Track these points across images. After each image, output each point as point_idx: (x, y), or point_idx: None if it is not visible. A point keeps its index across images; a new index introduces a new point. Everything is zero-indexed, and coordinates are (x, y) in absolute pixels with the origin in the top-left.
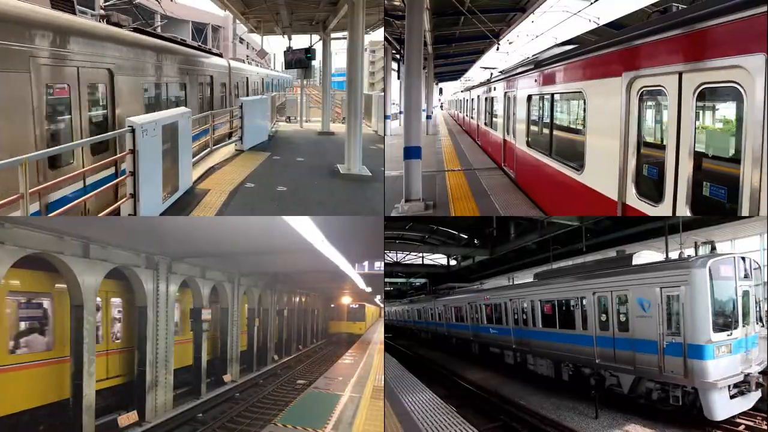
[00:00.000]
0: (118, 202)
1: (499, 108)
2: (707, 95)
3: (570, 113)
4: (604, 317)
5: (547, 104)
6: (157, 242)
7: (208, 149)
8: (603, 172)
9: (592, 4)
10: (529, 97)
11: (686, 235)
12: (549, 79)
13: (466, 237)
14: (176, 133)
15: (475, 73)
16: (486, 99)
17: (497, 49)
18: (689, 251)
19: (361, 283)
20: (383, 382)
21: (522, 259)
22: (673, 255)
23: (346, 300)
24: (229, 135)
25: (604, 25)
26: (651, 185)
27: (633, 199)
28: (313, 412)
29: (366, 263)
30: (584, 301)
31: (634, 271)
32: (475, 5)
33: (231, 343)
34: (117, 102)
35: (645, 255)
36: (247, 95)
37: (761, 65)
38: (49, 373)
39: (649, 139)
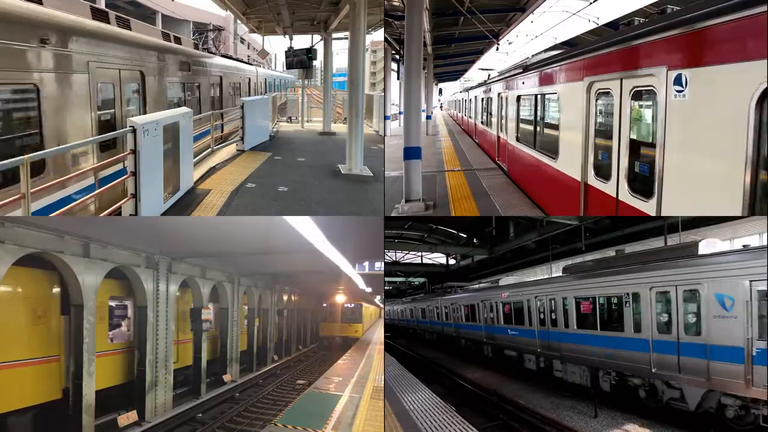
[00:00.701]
0: (120, 202)
1: (493, 108)
2: (636, 96)
3: (549, 111)
4: (664, 317)
5: (531, 104)
6: (157, 242)
7: (210, 149)
8: (571, 159)
9: (591, 4)
10: (518, 98)
11: (685, 234)
12: (533, 82)
13: (465, 236)
14: (177, 133)
15: (475, 74)
16: (482, 99)
17: (497, 49)
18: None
19: (361, 284)
20: (383, 383)
21: (522, 258)
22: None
23: (340, 299)
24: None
25: (603, 24)
26: (604, 167)
27: (592, 180)
28: (313, 412)
29: (366, 263)
30: (637, 298)
31: (708, 261)
32: (475, 5)
33: (231, 343)
34: (147, 98)
35: (712, 243)
36: (265, 93)
37: (664, 73)
38: (123, 359)
39: (602, 130)
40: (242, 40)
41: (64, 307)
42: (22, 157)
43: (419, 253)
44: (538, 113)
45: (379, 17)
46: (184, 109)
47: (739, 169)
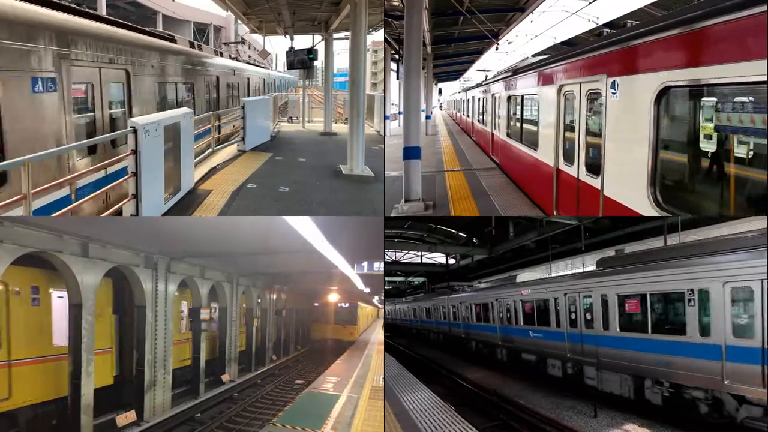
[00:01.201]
0: (121, 203)
1: (488, 107)
2: (590, 96)
3: (531, 110)
4: (743, 319)
5: (518, 104)
6: (157, 242)
7: (210, 150)
8: (547, 149)
9: (590, 3)
10: (508, 98)
11: (685, 234)
12: (519, 85)
13: (464, 236)
14: (178, 134)
15: (475, 74)
16: (478, 99)
17: (496, 49)
18: None
19: (359, 284)
20: (383, 382)
21: (521, 257)
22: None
23: (333, 298)
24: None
25: (602, 24)
26: (570, 155)
27: (562, 165)
28: (312, 412)
29: (365, 263)
30: (706, 295)
31: None
32: (474, 5)
33: (229, 342)
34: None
35: None
36: (272, 92)
37: (605, 79)
38: (185, 347)
39: (568, 124)
40: (243, 41)
41: (116, 307)
42: (22, 158)
43: (419, 253)
44: (524, 112)
45: (380, 17)
46: (184, 110)
47: (645, 149)
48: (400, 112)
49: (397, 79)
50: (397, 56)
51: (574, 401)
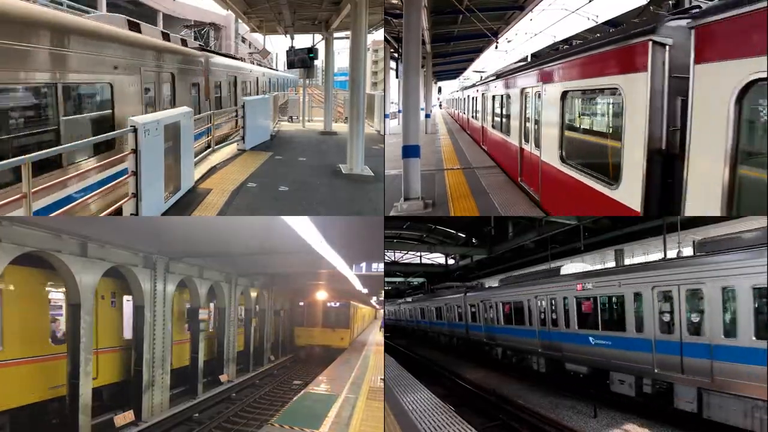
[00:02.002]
0: (120, 202)
1: (479, 104)
2: (537, 96)
3: (506, 107)
4: None
5: (499, 102)
6: (156, 242)
7: (210, 149)
8: (514, 134)
9: (590, 1)
10: (493, 97)
11: (684, 233)
12: (499, 86)
13: (464, 236)
14: (178, 133)
15: (473, 73)
16: (472, 98)
17: (496, 47)
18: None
19: (357, 285)
20: (382, 383)
21: (521, 257)
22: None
23: (321, 296)
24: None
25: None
26: (527, 137)
27: (523, 144)
28: (310, 412)
29: (363, 264)
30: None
31: None
32: (474, 3)
33: (228, 343)
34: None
35: None
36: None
37: (541, 85)
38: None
39: (527, 116)
40: (243, 40)
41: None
42: (23, 156)
43: (418, 253)
44: (503, 108)
45: (380, 16)
46: (184, 109)
47: (557, 131)
48: (399, 111)
49: (397, 77)
50: (396, 55)
51: (574, 401)
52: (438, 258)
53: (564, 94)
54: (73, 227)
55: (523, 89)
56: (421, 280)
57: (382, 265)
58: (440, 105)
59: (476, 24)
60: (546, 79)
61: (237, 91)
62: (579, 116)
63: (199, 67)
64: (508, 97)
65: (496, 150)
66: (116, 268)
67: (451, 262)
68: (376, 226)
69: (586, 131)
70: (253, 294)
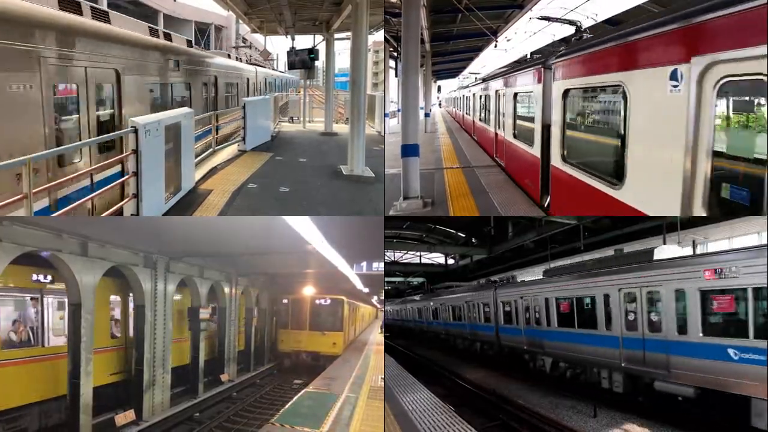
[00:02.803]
0: (121, 202)
1: (471, 103)
2: (514, 96)
3: (488, 104)
4: None
5: (486, 100)
6: (156, 242)
7: (211, 149)
8: (507, 129)
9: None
10: (481, 96)
11: (684, 233)
12: (485, 88)
13: (463, 236)
14: (179, 134)
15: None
16: (466, 97)
17: (495, 46)
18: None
19: (358, 284)
20: (383, 383)
21: (520, 257)
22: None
23: (308, 291)
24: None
25: (602, 21)
26: (509, 129)
27: (499, 131)
28: (310, 412)
29: (364, 263)
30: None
31: None
32: (473, 2)
33: (228, 342)
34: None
35: None
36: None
37: (503, 88)
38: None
39: (506, 112)
40: (244, 40)
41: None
42: (24, 157)
43: (417, 253)
44: (489, 105)
45: (381, 18)
46: (185, 109)
47: (511, 121)
48: (398, 110)
49: (396, 76)
50: (396, 54)
51: (574, 401)
52: (438, 258)
53: (515, 95)
54: (73, 228)
55: (497, 91)
56: (420, 279)
57: (382, 265)
58: (440, 104)
59: (475, 23)
60: (506, 84)
61: (218, 92)
62: (519, 108)
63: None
64: (488, 97)
65: (482, 138)
66: (116, 268)
67: (450, 262)
68: (376, 226)
69: (521, 117)
70: (254, 293)
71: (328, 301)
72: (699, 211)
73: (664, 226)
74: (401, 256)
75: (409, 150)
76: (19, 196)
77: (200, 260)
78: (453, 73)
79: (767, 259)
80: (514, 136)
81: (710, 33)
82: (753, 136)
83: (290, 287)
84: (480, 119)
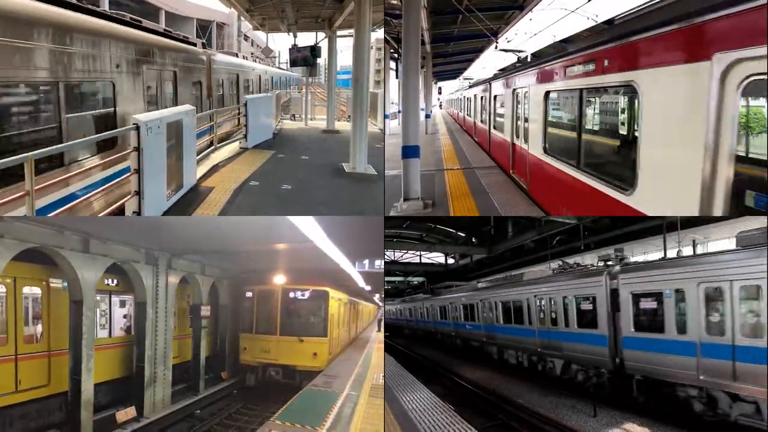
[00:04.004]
0: (123, 199)
1: (472, 104)
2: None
3: (483, 105)
4: None
5: (483, 101)
6: (157, 238)
7: (213, 147)
8: (507, 130)
9: (589, 1)
10: (482, 98)
11: (684, 233)
12: (481, 90)
13: (463, 235)
14: (180, 131)
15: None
16: (466, 99)
17: (496, 47)
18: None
19: (360, 282)
20: (383, 381)
21: (520, 257)
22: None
23: (278, 280)
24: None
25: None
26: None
27: (492, 130)
28: (311, 409)
29: (366, 261)
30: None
31: None
32: (473, 3)
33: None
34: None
35: None
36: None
37: (489, 90)
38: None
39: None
40: (246, 38)
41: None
42: (26, 154)
43: (417, 253)
44: (482, 106)
45: (383, 15)
46: (187, 107)
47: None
48: (399, 111)
49: (397, 78)
50: (396, 55)
51: (574, 401)
52: (438, 257)
53: (495, 97)
54: (74, 226)
55: (491, 93)
56: (420, 279)
57: (382, 263)
58: (440, 105)
59: (476, 24)
60: (492, 88)
61: (239, 89)
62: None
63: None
64: (483, 98)
65: (480, 135)
66: (117, 265)
67: (450, 261)
68: (376, 225)
69: (499, 115)
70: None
71: (307, 294)
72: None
73: (664, 226)
74: (401, 256)
75: (409, 151)
76: (21, 194)
77: (203, 257)
78: (454, 75)
79: (767, 258)
80: (546, 151)
81: (733, 28)
82: None
83: (258, 276)
84: (480, 121)
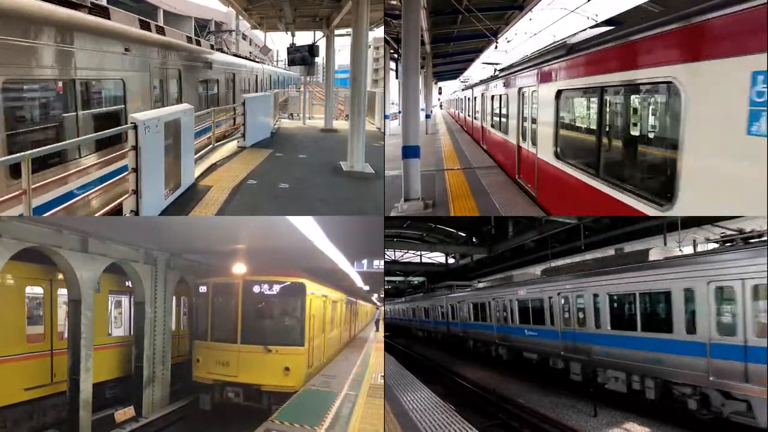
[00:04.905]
0: (120, 198)
1: (468, 104)
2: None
3: (476, 104)
4: None
5: (476, 101)
6: (156, 238)
7: (211, 146)
8: (479, 120)
9: (589, 0)
10: (475, 98)
11: (684, 233)
12: (477, 91)
13: (464, 235)
14: (179, 130)
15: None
16: (464, 99)
17: (496, 47)
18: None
19: (359, 282)
20: (383, 381)
21: (520, 257)
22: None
23: (239, 269)
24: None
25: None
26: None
27: (486, 125)
28: (310, 409)
29: (365, 261)
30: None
31: None
32: (473, 4)
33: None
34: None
35: None
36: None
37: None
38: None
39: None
40: (244, 36)
41: None
42: (23, 153)
43: (418, 253)
44: (475, 105)
45: (382, 14)
46: (185, 106)
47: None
48: (399, 111)
49: (397, 78)
50: (396, 55)
51: (574, 400)
52: (438, 257)
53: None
54: (72, 226)
55: (483, 93)
56: (421, 279)
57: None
58: (440, 105)
59: (476, 24)
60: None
61: (236, 86)
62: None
63: None
64: (476, 98)
65: (475, 132)
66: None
67: (450, 261)
68: (376, 226)
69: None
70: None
71: (276, 289)
72: None
73: (664, 226)
74: (401, 256)
75: (409, 151)
76: (18, 192)
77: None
78: (454, 75)
79: (767, 258)
80: (557, 156)
81: None
82: None
83: (219, 265)
84: (473, 118)
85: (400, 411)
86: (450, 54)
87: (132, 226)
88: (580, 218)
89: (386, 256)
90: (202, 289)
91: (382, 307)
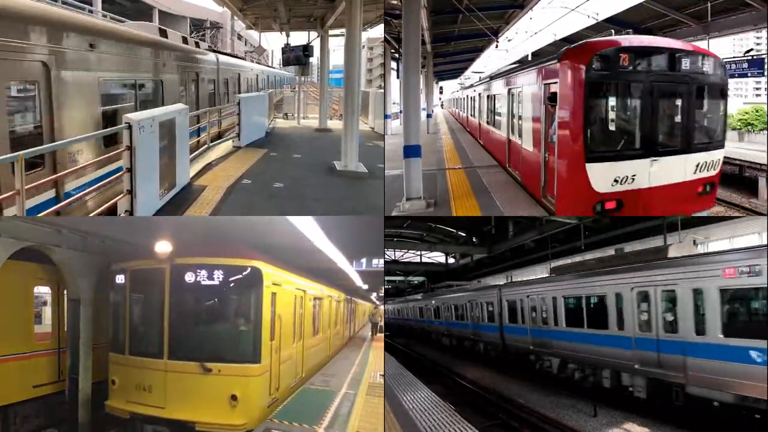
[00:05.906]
0: (115, 199)
1: (466, 102)
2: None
3: (473, 103)
4: None
5: (474, 101)
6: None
7: (206, 146)
8: (476, 117)
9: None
10: (473, 98)
11: (684, 233)
12: (476, 90)
13: (464, 235)
14: (173, 130)
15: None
16: (463, 98)
17: (496, 46)
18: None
19: (358, 281)
20: (383, 380)
21: (520, 257)
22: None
23: (163, 247)
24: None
25: (603, 20)
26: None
27: (483, 122)
28: (309, 409)
29: (363, 260)
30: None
31: None
32: (474, 3)
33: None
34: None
35: None
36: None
37: (471, 92)
38: None
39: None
40: (239, 37)
41: None
42: (16, 153)
43: (418, 252)
44: (473, 104)
45: (376, 14)
46: (180, 106)
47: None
48: (400, 111)
49: (398, 77)
50: (397, 55)
51: (574, 400)
52: (438, 257)
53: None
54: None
55: (479, 93)
56: (421, 279)
57: (380, 262)
58: (441, 105)
59: (476, 23)
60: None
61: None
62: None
63: None
64: (473, 98)
65: (474, 129)
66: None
67: (451, 261)
68: (376, 225)
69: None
70: None
71: (219, 276)
72: None
73: (664, 226)
74: (401, 255)
75: (410, 151)
76: (11, 192)
77: None
78: (455, 74)
79: (767, 259)
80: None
81: None
82: None
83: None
84: (472, 116)
85: (400, 410)
86: (451, 53)
87: (128, 225)
88: (580, 218)
89: (386, 256)
90: (119, 279)
91: (382, 307)
